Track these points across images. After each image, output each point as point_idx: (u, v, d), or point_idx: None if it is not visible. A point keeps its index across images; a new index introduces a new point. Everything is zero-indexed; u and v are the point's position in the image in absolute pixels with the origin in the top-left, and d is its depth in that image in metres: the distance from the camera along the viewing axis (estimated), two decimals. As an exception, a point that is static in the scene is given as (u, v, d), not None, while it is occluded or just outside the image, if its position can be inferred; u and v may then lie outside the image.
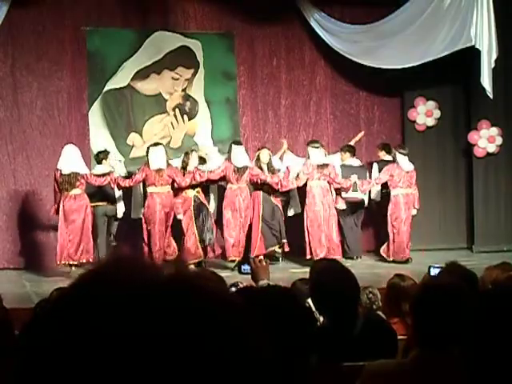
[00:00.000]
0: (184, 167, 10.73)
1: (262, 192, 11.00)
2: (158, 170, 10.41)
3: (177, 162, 11.08)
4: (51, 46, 11.74)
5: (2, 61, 11.60)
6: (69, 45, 11.85)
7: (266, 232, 10.95)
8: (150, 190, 10.52)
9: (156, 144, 10.83)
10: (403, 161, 11.25)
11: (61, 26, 11.79)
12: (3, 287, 7.46)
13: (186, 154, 10.91)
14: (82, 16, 11.81)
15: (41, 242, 11.49)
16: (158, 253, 10.34)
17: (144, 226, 10.56)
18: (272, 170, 11.03)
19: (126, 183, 10.56)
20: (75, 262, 10.21)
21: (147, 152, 10.67)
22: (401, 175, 11.19)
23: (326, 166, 11.00)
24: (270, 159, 11.11)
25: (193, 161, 10.75)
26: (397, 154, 11.34)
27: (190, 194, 10.75)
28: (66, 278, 9.65)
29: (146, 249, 10.52)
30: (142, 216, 10.75)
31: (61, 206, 10.23)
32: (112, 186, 10.58)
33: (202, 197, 10.84)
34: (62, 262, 10.24)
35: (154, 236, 10.44)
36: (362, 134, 12.20)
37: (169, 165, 10.63)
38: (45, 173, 11.46)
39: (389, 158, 11.67)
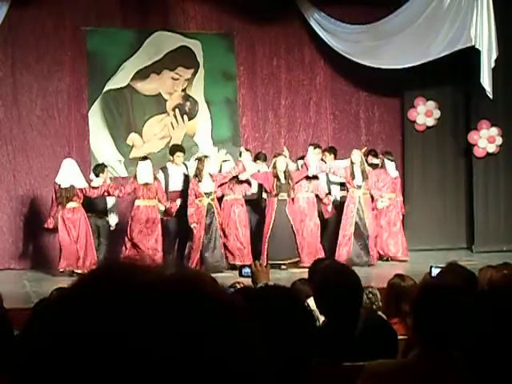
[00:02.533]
0: (197, 174, 10.55)
1: (276, 200, 10.77)
2: (146, 184, 10.52)
3: (190, 166, 11.05)
4: (51, 46, 11.74)
5: (2, 61, 11.60)
6: (69, 45, 11.85)
7: (271, 243, 10.71)
8: (137, 202, 10.60)
9: (144, 158, 10.83)
10: (390, 167, 11.49)
11: (61, 25, 11.79)
12: (3, 287, 7.44)
13: (200, 160, 10.66)
14: (81, 16, 11.81)
15: (41, 242, 11.50)
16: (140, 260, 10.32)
17: (129, 235, 10.61)
18: (289, 178, 10.80)
19: (116, 193, 10.71)
20: (79, 271, 10.30)
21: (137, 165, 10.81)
22: (386, 180, 11.43)
23: (315, 177, 11.05)
24: (287, 166, 10.91)
25: (207, 168, 10.58)
26: (385, 159, 11.54)
27: (204, 202, 10.58)
28: (67, 278, 9.70)
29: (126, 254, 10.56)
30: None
31: (60, 218, 10.44)
32: (105, 194, 10.75)
33: (216, 207, 10.67)
34: (66, 269, 10.40)
35: (136, 247, 10.51)
36: (365, 149, 12.08)
37: (156, 179, 10.68)
38: (45, 173, 11.47)
39: (376, 161, 11.75)
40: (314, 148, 11.38)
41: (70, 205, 10.44)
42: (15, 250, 11.55)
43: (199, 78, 12.47)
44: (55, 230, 10.68)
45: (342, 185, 11.46)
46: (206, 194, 10.59)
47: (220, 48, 12.57)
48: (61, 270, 10.38)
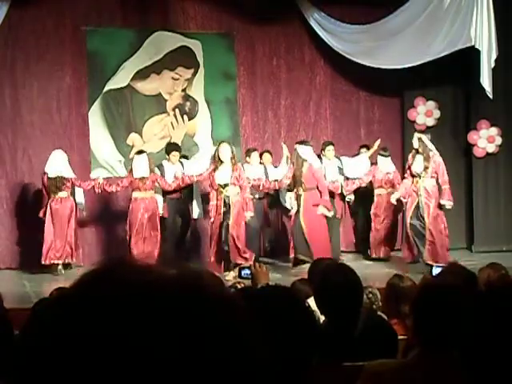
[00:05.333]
0: (212, 162, 10.22)
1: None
2: (141, 178, 10.53)
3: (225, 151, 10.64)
4: (51, 46, 11.74)
5: (2, 61, 11.60)
6: (69, 45, 11.85)
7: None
8: (134, 194, 10.60)
9: (140, 152, 10.80)
10: (382, 162, 11.38)
11: (61, 25, 11.78)
12: (3, 287, 7.45)
13: (218, 146, 10.32)
14: (81, 16, 11.81)
15: (41, 242, 11.48)
16: (138, 256, 10.26)
17: (128, 227, 10.60)
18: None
19: (113, 188, 10.79)
20: (60, 261, 10.59)
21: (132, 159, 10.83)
22: (381, 176, 11.35)
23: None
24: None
25: (225, 155, 10.09)
26: (378, 156, 11.48)
27: (222, 194, 10.11)
28: (67, 278, 9.74)
29: (130, 248, 10.54)
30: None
31: (48, 208, 10.59)
32: (96, 190, 10.79)
33: (232, 198, 10.11)
34: (48, 262, 10.55)
35: (134, 239, 10.50)
36: (378, 141, 11.88)
37: (151, 172, 10.65)
38: (46, 173, 11.49)
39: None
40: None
41: (60, 194, 10.64)
42: (15, 249, 11.56)
43: (199, 78, 12.47)
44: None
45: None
46: (220, 185, 10.13)
47: (220, 48, 12.57)
48: (44, 262, 10.47)
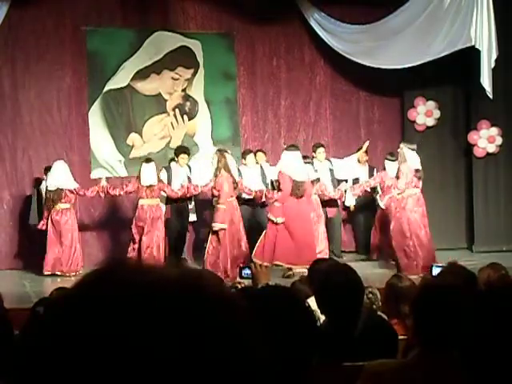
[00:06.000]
0: (215, 172, 10.28)
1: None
2: (149, 186, 10.52)
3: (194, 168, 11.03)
4: (51, 46, 11.74)
5: (2, 61, 11.60)
6: (69, 45, 11.86)
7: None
8: (141, 202, 10.59)
9: (148, 160, 10.72)
10: (389, 167, 11.20)
11: (61, 25, 11.79)
12: (3, 287, 7.45)
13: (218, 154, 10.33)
14: (81, 16, 11.81)
15: (41, 242, 11.49)
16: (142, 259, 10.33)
17: (134, 233, 10.60)
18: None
19: (116, 192, 10.75)
20: (64, 273, 10.49)
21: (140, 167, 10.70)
22: (390, 181, 11.27)
23: (317, 180, 10.84)
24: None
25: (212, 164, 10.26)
26: (385, 160, 11.38)
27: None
28: (67, 279, 9.74)
29: (134, 255, 10.55)
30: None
31: (49, 219, 10.54)
32: (101, 195, 10.76)
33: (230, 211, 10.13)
34: (50, 273, 10.47)
35: (138, 245, 10.52)
36: (367, 143, 11.92)
37: (160, 181, 10.66)
38: (45, 173, 11.48)
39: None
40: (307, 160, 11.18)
41: (60, 206, 10.55)
42: (15, 250, 11.56)
43: (199, 78, 12.47)
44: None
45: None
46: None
47: (220, 48, 12.57)
48: (46, 272, 10.43)
